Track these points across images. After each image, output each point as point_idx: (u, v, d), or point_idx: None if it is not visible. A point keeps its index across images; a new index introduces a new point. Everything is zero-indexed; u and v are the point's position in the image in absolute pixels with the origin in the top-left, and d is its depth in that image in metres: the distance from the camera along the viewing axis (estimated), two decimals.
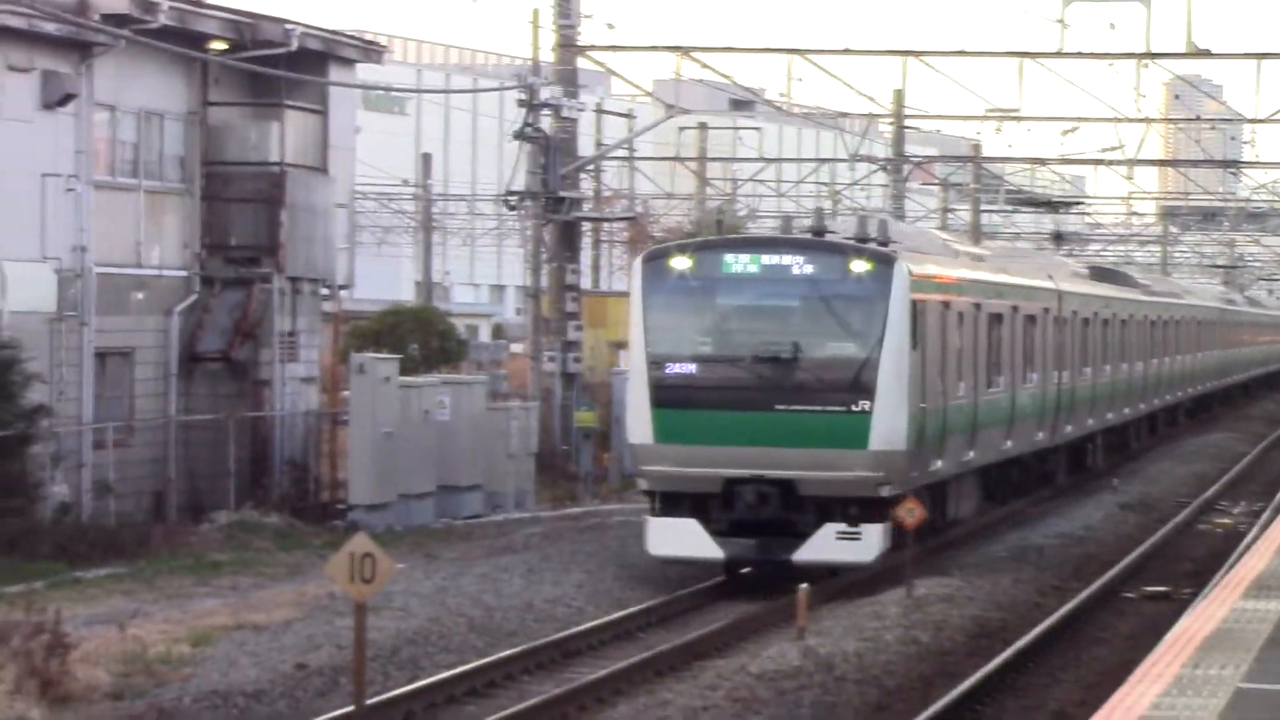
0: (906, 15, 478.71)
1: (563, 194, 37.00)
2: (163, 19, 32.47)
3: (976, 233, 69.81)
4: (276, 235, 35.94)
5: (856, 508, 26.14)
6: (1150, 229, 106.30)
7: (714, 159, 70.74)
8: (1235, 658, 14.16)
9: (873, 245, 27.87)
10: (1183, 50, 41.21)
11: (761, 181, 67.48)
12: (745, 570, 27.75)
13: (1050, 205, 68.32)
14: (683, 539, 26.18)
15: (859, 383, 26.42)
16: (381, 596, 20.51)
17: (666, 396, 26.69)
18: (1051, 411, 40.81)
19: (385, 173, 73.13)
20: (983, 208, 73.57)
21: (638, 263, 28.61)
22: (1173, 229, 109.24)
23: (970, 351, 31.98)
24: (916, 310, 27.27)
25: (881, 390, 26.15)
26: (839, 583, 28.35)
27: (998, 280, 35.84)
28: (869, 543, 25.99)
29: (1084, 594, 27.83)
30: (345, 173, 39.85)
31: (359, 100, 48.22)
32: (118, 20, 31.29)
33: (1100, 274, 57.47)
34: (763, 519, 26.07)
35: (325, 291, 40.10)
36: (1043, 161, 69.80)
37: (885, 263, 26.88)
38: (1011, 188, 78.77)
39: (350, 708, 15.13)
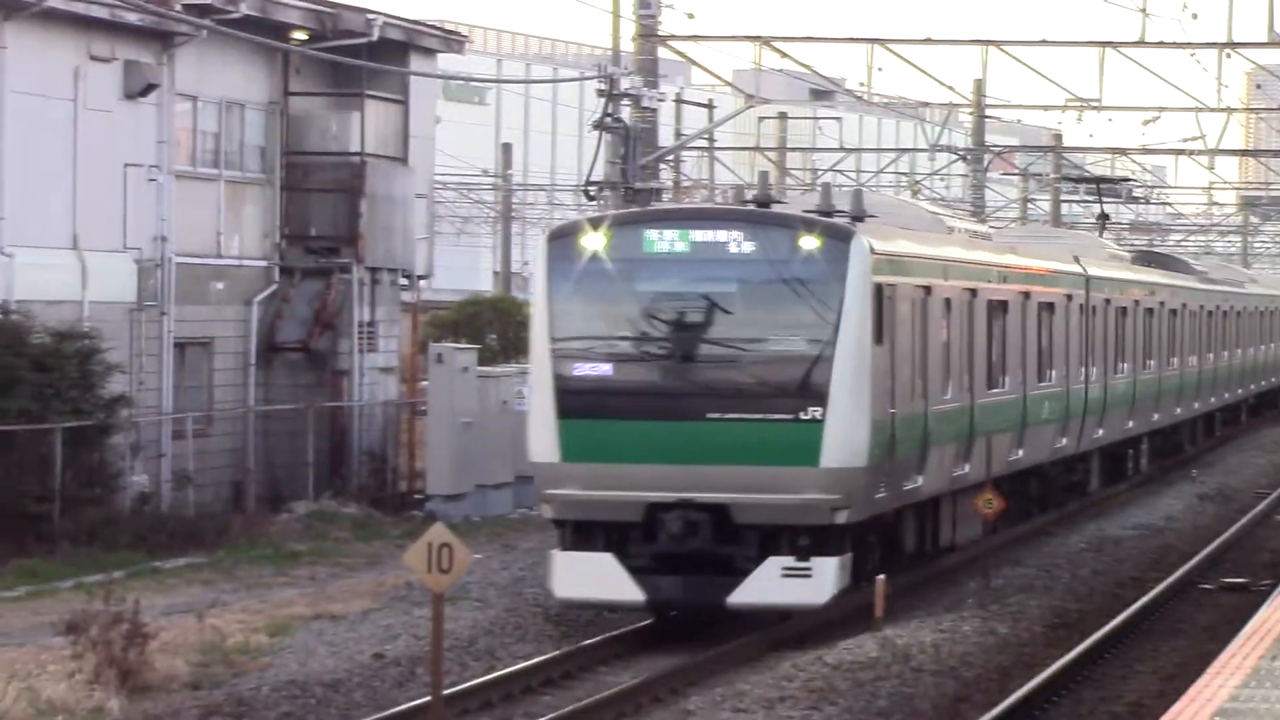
0: (987, 5, 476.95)
1: (642, 184, 36.81)
2: (244, 9, 33.08)
3: (1056, 222, 69.37)
4: (356, 225, 36.26)
5: (807, 538, 21.68)
6: (1230, 219, 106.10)
7: (793, 149, 70.33)
8: None
9: (828, 219, 23.82)
10: (1264, 40, 40.79)
11: (841, 171, 67.30)
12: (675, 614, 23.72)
13: (1100, 182, 66.46)
14: (595, 578, 21.82)
15: (808, 385, 21.98)
16: (459, 587, 20.77)
17: (574, 404, 22.35)
18: (1078, 414, 36.66)
19: (465, 163, 73.67)
20: (1063, 198, 72.83)
21: (542, 241, 24.18)
22: (1253, 219, 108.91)
23: (963, 345, 27.71)
24: (883, 296, 22.98)
25: (836, 394, 21.73)
26: (917, 575, 27.76)
27: (999, 262, 31.21)
28: (821, 581, 21.46)
29: (1162, 585, 27.84)
30: (425, 163, 40.40)
31: (439, 90, 49.16)
32: (200, 10, 31.88)
33: (1147, 258, 54.24)
34: (692, 553, 21.67)
35: (404, 281, 40.49)
36: (1123, 151, 69.10)
37: (840, 238, 22.46)
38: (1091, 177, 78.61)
39: (427, 698, 15.20)
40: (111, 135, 31.43)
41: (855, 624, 23.18)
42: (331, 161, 36.93)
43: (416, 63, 40.10)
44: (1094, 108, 49.98)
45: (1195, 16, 48.86)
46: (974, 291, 28.19)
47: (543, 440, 22.34)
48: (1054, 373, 34.24)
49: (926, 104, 60.06)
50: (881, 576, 22.63)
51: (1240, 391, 58.64)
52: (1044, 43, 46.01)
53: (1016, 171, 72.45)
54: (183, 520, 30.92)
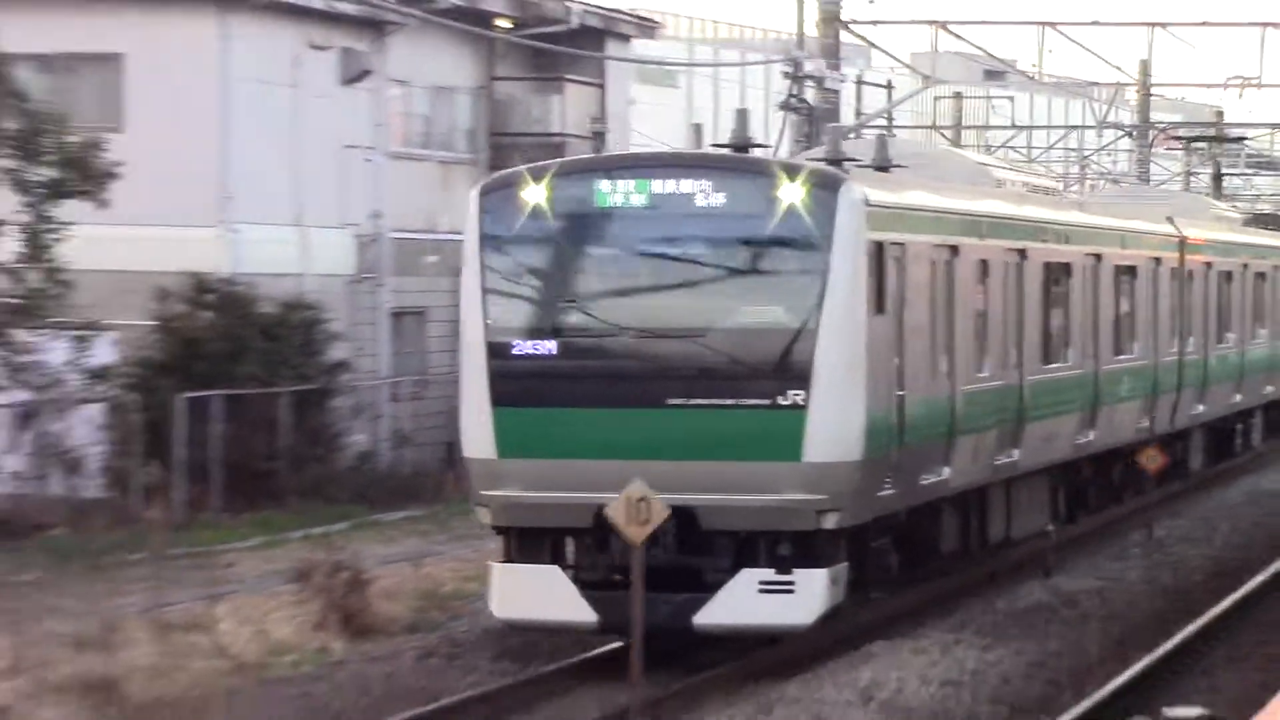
0: None
1: None
2: None
3: (1218, 195, 69.46)
4: None
5: (789, 546, 17.68)
6: None
7: (968, 127, 70.12)
8: None
9: (814, 164, 19.78)
10: None
11: (1013, 148, 67.67)
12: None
13: (1214, 141, 65.39)
14: (540, 596, 18.09)
15: (788, 364, 17.81)
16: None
17: (512, 390, 18.34)
18: (1169, 389, 32.11)
19: (658, 142, 74.75)
20: (1224, 171, 71.82)
21: (473, 194, 19.77)
22: None
23: (1008, 315, 23.48)
24: (885, 256, 18.82)
25: (821, 374, 17.51)
26: (1081, 528, 27.03)
27: (1060, 219, 26.79)
28: (806, 597, 17.45)
29: None
30: (621, 142, 41.48)
31: (634, 74, 49.63)
32: (410, 0, 33.01)
33: (1266, 221, 49.72)
34: (653, 565, 16.91)
35: None
36: None
37: (826, 186, 18.05)
38: (1252, 152, 78.24)
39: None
40: (329, 119, 32.95)
41: (1025, 573, 23.31)
42: (534, 142, 38.02)
43: (612, 48, 41.49)
44: (1255, 85, 50.20)
45: None
46: (1023, 253, 24.12)
47: (476, 433, 18.49)
48: (1138, 345, 30.17)
49: (1094, 83, 60.30)
50: (1052, 527, 22.21)
51: None
52: (1206, 23, 47.84)
53: (1180, 147, 72.13)
54: (400, 477, 32.34)
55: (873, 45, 41.63)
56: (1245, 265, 37.46)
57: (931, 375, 20.17)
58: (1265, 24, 42.92)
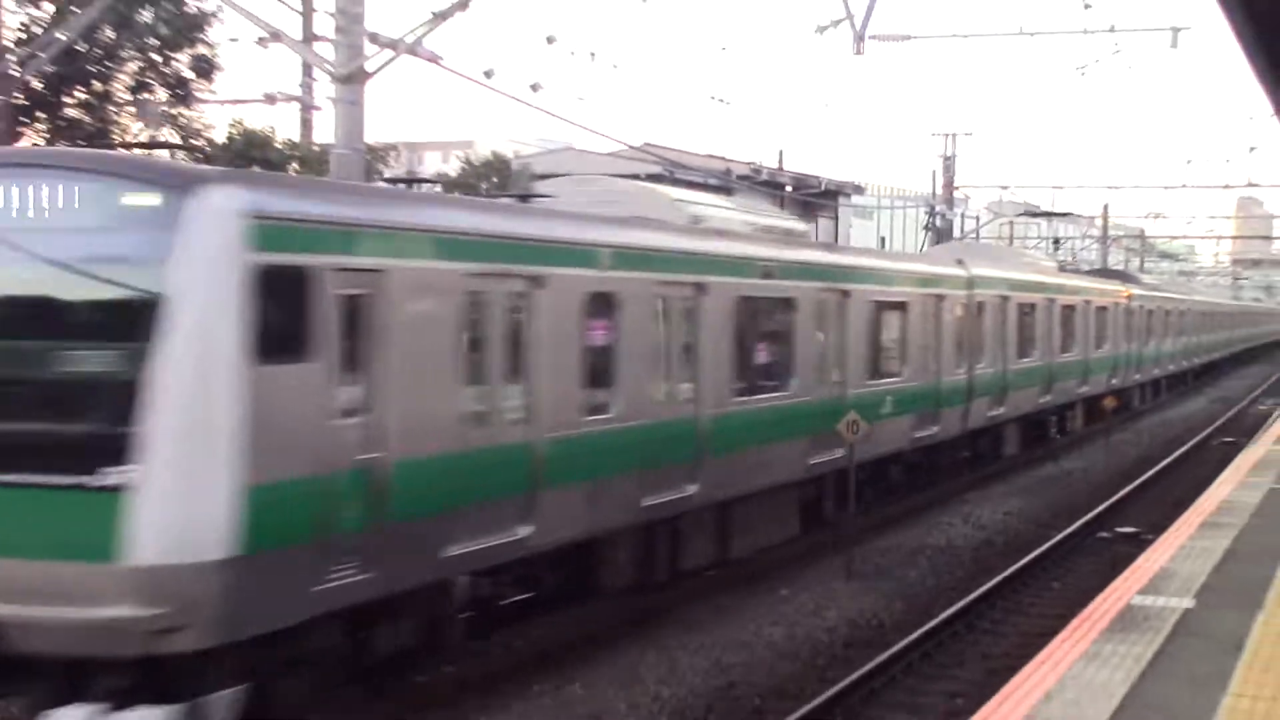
0: None
1: None
2: (765, 175, 53.06)
3: (1055, 254, 67.67)
4: None
5: (123, 677, 11.61)
6: None
7: (1016, 238, 70.56)
8: (1270, 475, 20.49)
9: (174, 163, 16.74)
10: None
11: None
12: None
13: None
14: None
15: (107, 429, 11.53)
16: None
17: None
18: (961, 401, 28.49)
19: None
20: (1060, 236, 71.45)
21: None
22: None
23: (658, 350, 17.37)
24: (304, 286, 12.17)
25: (160, 442, 11.34)
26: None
27: (747, 253, 20.03)
28: None
29: (1191, 442, 37.54)
30: None
31: (852, 213, 65.17)
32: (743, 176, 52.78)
33: (1108, 274, 52.65)
34: None
35: None
36: None
37: (175, 189, 11.92)
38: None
39: None
40: None
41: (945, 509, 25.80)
42: None
43: (841, 199, 60.57)
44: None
45: None
46: (700, 286, 18.21)
47: None
48: (907, 368, 25.69)
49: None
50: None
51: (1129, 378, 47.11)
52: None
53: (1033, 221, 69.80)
54: None
55: (967, 197, 58.67)
56: (1051, 300, 35.59)
57: (439, 429, 13.49)
58: None
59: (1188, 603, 12.45)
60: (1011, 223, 61.83)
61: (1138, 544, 19.89)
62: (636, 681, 14.59)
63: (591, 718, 13.47)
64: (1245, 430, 39.88)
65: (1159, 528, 18.70)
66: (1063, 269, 44.89)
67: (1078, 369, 38.23)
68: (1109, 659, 10.55)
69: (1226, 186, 58.40)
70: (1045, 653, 10.84)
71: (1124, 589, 13.06)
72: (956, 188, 57.98)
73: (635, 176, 32.08)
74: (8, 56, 23.19)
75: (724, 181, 50.70)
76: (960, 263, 29.70)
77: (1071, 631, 11.49)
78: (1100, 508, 25.71)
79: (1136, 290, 47.96)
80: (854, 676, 14.41)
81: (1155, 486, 29.61)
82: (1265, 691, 9.77)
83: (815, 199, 57.72)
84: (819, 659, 15.74)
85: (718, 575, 19.39)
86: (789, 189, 56.64)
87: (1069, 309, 37.44)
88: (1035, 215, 54.39)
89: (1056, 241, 51.03)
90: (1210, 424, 43.89)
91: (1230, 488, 20.14)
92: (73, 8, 25.95)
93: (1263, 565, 14.20)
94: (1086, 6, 23.14)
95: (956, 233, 57.45)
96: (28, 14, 26.76)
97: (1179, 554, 14.84)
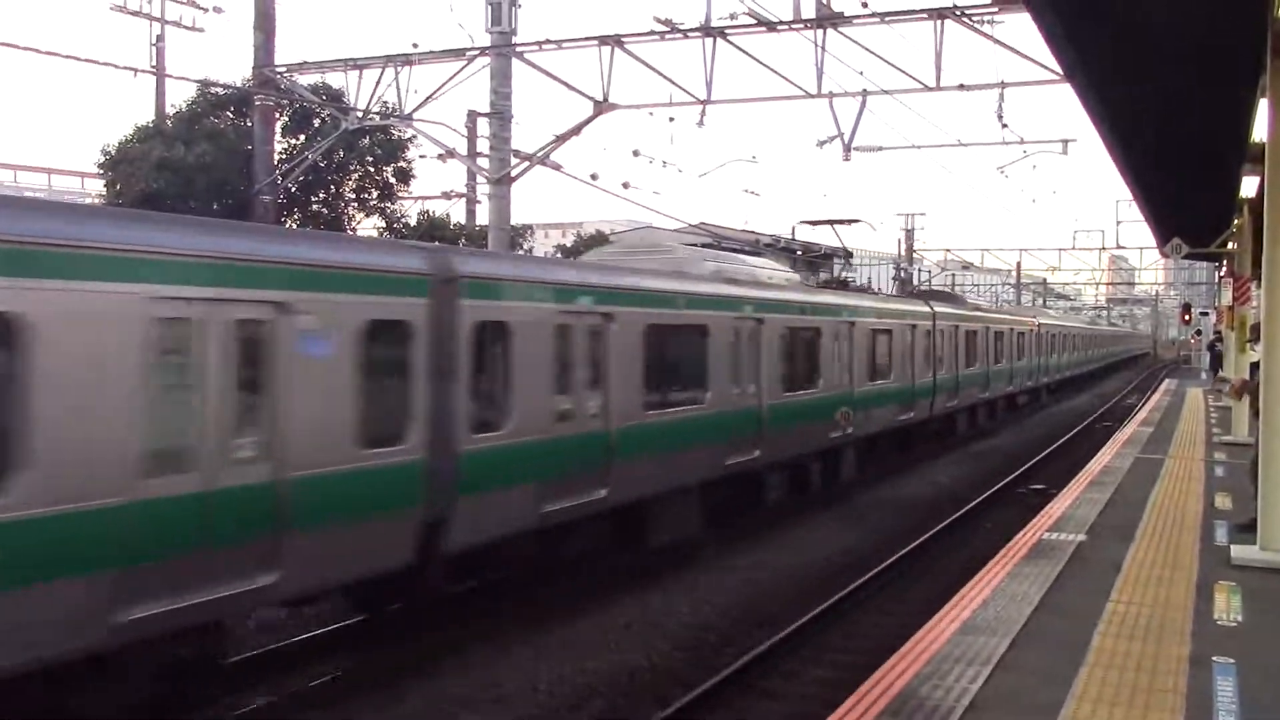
0: None
1: None
2: None
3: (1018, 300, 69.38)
4: None
5: None
6: None
7: (962, 285, 67.89)
8: (1136, 448, 20.21)
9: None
10: None
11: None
12: None
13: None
14: None
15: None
16: None
17: None
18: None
19: None
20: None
21: None
22: None
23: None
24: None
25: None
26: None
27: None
28: None
29: (1081, 426, 35.19)
30: None
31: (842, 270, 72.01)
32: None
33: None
34: None
35: None
36: None
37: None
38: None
39: None
40: None
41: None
42: None
43: (836, 261, 68.22)
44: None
45: None
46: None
47: None
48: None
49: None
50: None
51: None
52: None
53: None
54: None
55: (923, 256, 61.54)
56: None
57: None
58: None
59: (1082, 537, 12.23)
60: (954, 274, 61.37)
61: (1045, 497, 19.57)
62: (695, 593, 14.40)
63: (664, 614, 13.25)
64: (1118, 417, 39.17)
65: (1060, 485, 18.28)
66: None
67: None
68: (1027, 577, 10.38)
69: (1103, 249, 56.75)
70: (981, 574, 10.66)
71: (1037, 528, 12.84)
72: (915, 250, 58.58)
73: (694, 244, 32.18)
74: (276, 171, 23.63)
75: (754, 248, 53.98)
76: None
77: (1000, 559, 11.30)
78: (1018, 471, 25.25)
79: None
80: (841, 594, 14.18)
81: (1057, 456, 28.97)
82: (1136, 598, 9.64)
83: (817, 259, 58.33)
84: (823, 578, 15.47)
85: (765, 514, 18.56)
86: (799, 253, 57.38)
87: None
88: (966, 269, 53.83)
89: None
90: (1094, 413, 43.11)
91: (1109, 457, 19.84)
92: (318, 137, 26.38)
93: (1132, 510, 14.00)
94: (1004, 125, 22.74)
95: (916, 283, 56.53)
96: (288, 142, 27.30)
97: (1074, 503, 14.58)
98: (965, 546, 17.57)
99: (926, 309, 27.93)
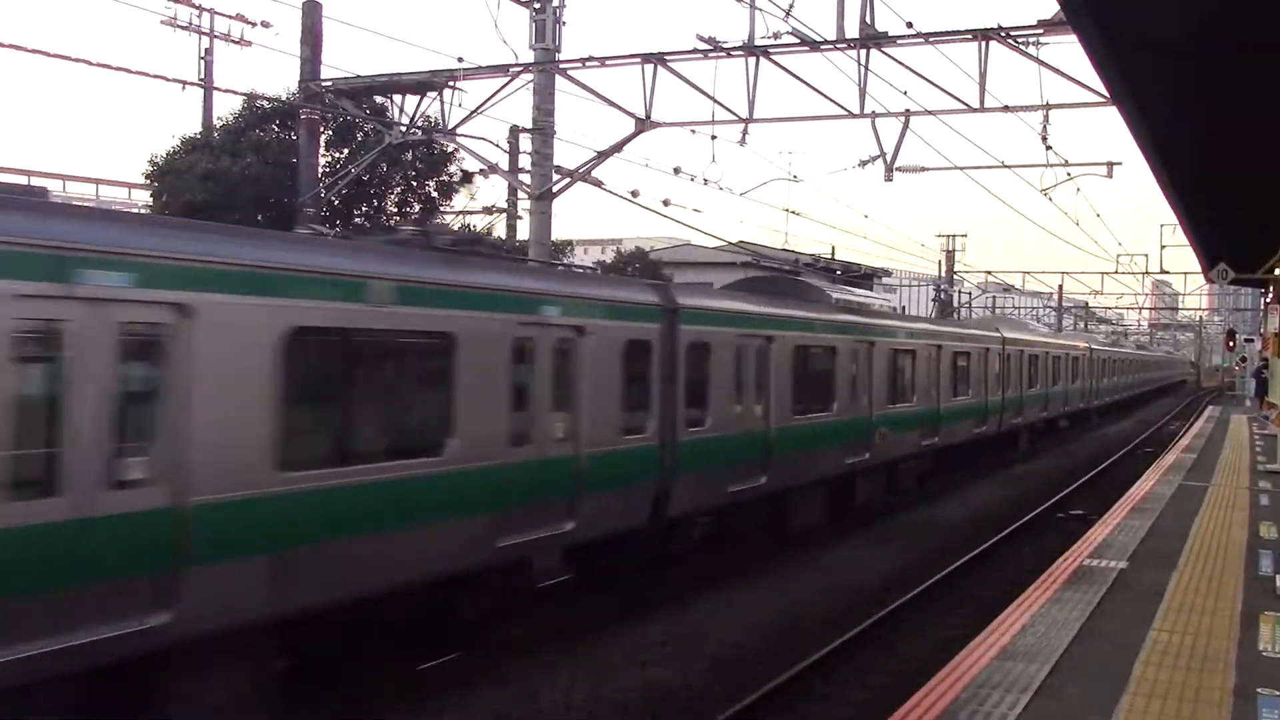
0: None
1: None
2: None
3: (1059, 326, 66.92)
4: None
5: None
6: None
7: (1002, 308, 66.07)
8: (1179, 475, 20.50)
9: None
10: None
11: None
12: None
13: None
14: None
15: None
16: None
17: None
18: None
19: None
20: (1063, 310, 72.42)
21: None
22: None
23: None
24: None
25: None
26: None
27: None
28: None
29: (1122, 451, 35.93)
30: None
31: (882, 289, 67.20)
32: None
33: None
34: None
35: None
36: None
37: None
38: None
39: None
40: None
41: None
42: None
43: (877, 282, 67.25)
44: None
45: None
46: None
47: None
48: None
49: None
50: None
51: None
52: None
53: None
54: None
55: (964, 279, 60.88)
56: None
57: None
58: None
59: (1123, 564, 12.14)
60: (995, 297, 60.90)
61: (1085, 522, 19.42)
62: (731, 613, 14.36)
63: (698, 633, 13.19)
64: (1160, 443, 38.89)
65: (1101, 511, 18.16)
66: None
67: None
68: (1068, 603, 10.30)
69: (1146, 273, 55.98)
70: (1021, 599, 10.59)
71: (1078, 553, 12.78)
72: (956, 272, 58.17)
73: (732, 264, 31.69)
74: (320, 183, 23.82)
75: (794, 268, 53.59)
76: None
77: (1041, 583, 11.23)
78: (1058, 496, 25.02)
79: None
80: (882, 613, 14.14)
81: (1097, 482, 28.71)
82: (1179, 627, 9.53)
83: (858, 279, 57.76)
84: (858, 599, 15.40)
85: (796, 538, 18.57)
86: (838, 272, 56.92)
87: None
88: (1008, 291, 53.41)
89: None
90: (1136, 438, 42.62)
91: (1151, 483, 19.64)
92: (361, 151, 26.59)
93: (1175, 538, 13.87)
94: (1048, 147, 22.61)
95: (956, 304, 56.04)
96: (332, 156, 27.54)
97: (1116, 530, 14.50)
98: (1003, 571, 17.46)
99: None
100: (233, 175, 24.59)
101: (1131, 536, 13.88)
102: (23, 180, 14.51)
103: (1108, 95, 13.59)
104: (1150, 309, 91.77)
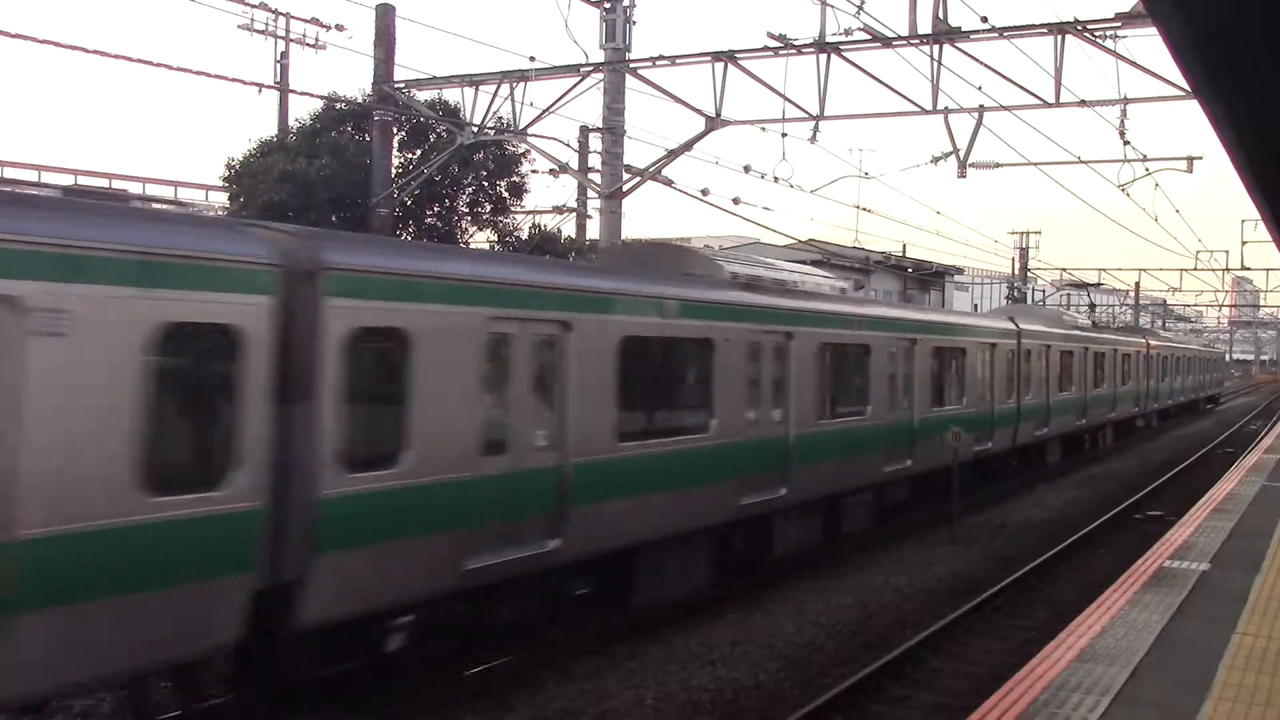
0: None
1: None
2: None
3: (1091, 315, 58.61)
4: None
5: None
6: None
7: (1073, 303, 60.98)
8: (1262, 475, 20.10)
9: None
10: None
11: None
12: None
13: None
14: None
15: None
16: None
17: None
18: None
19: None
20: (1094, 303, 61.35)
21: None
22: None
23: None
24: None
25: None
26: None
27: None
28: None
29: (1201, 451, 35.21)
30: None
31: (954, 287, 62.59)
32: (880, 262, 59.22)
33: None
34: None
35: None
36: None
37: None
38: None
39: None
40: None
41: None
42: None
43: (947, 279, 63.96)
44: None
45: None
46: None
47: None
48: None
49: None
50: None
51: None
52: None
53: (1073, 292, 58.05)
54: None
55: (1037, 276, 59.54)
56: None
57: None
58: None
59: (1205, 566, 11.87)
60: (1068, 294, 59.85)
61: (1164, 524, 19.04)
62: (801, 613, 14.24)
63: (770, 633, 13.12)
64: (1241, 443, 38.08)
65: (1180, 512, 17.83)
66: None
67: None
68: (1148, 605, 10.08)
69: (1226, 269, 54.71)
70: (1099, 600, 10.39)
71: (1157, 555, 12.53)
72: (1030, 270, 57.29)
73: (803, 262, 31.56)
74: (393, 184, 24.09)
75: (865, 266, 50.86)
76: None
77: (1119, 585, 11.01)
78: (1135, 497, 24.54)
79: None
80: (955, 614, 13.93)
81: (1176, 483, 28.16)
82: (1264, 630, 9.29)
83: (929, 278, 56.89)
84: (931, 601, 15.22)
85: (857, 541, 18.54)
86: (910, 271, 55.99)
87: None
88: (1081, 287, 52.24)
89: (1093, 306, 49.00)
90: (1215, 438, 41.64)
91: (1233, 484, 19.19)
92: (433, 152, 26.82)
93: (1259, 540, 13.54)
94: (1126, 142, 22.15)
95: (1029, 302, 55.16)
96: (404, 157, 27.82)
97: (1197, 531, 14.18)
98: (1080, 573, 17.11)
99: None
100: (309, 177, 24.92)
101: (1213, 538, 13.60)
102: (104, 183, 14.84)
103: (1189, 88, 13.30)
104: (1231, 305, 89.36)
